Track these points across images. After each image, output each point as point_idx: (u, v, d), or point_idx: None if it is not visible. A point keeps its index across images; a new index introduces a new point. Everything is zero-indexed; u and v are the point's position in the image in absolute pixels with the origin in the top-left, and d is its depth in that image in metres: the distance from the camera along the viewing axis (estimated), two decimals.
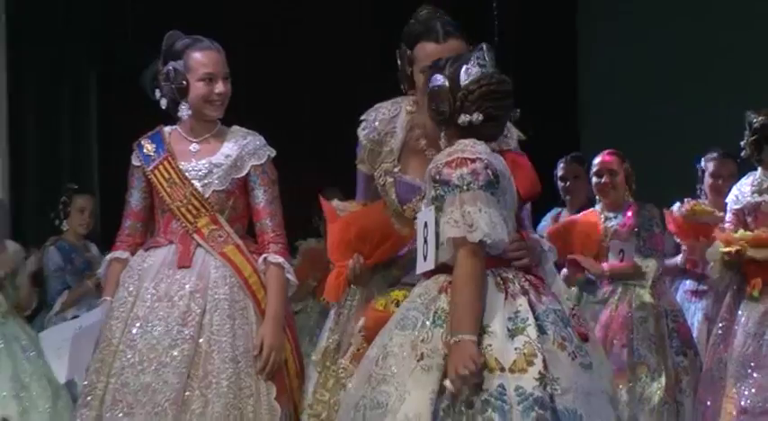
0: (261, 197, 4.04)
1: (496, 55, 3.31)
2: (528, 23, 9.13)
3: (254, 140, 4.08)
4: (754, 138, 5.31)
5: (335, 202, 3.84)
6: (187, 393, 3.84)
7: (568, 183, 6.47)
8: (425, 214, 3.25)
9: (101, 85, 8.17)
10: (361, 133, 3.74)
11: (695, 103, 8.29)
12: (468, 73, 3.28)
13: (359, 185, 3.85)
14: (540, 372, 3.10)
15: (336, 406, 3.61)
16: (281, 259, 4.00)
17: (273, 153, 4.09)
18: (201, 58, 4.00)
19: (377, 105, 3.75)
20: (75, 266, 6.62)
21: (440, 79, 3.29)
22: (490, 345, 3.13)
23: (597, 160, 6.04)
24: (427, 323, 3.17)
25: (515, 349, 3.13)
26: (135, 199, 4.13)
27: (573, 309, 3.35)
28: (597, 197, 6.06)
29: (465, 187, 3.18)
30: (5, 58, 7.69)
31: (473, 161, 3.19)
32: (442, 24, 3.62)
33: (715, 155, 6.08)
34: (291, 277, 4.04)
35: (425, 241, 3.24)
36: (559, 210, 6.51)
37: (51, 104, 8.09)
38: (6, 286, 6.38)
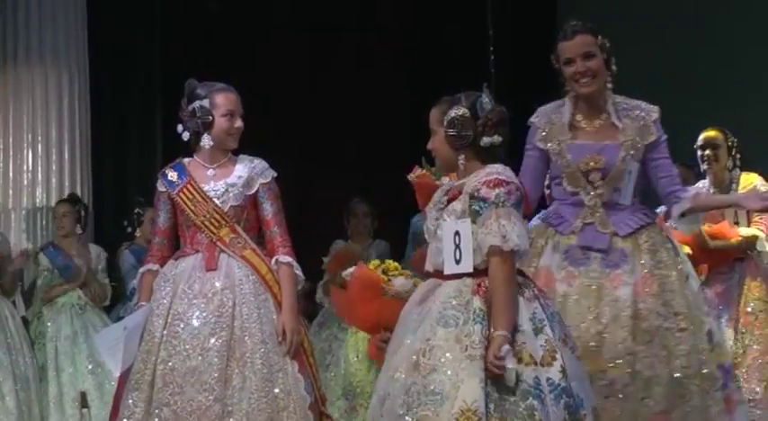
0: (269, 209, 4.47)
1: (494, 85, 3.85)
2: (519, 55, 9.21)
3: (260, 164, 4.51)
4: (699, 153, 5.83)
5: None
6: (228, 372, 4.22)
7: None
8: (457, 224, 3.58)
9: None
10: (534, 119, 4.20)
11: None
12: (483, 104, 3.68)
13: (525, 168, 4.20)
14: (561, 366, 3.47)
15: None
16: (289, 259, 4.43)
17: (276, 174, 4.52)
18: (224, 99, 4.46)
19: (539, 108, 4.26)
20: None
21: (461, 109, 3.66)
22: (524, 343, 3.47)
23: None
24: (469, 321, 3.46)
25: (540, 346, 3.49)
26: (162, 219, 4.56)
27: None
28: None
29: (501, 204, 3.55)
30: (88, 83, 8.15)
31: (508, 183, 3.57)
32: (570, 26, 4.16)
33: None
34: (299, 273, 4.46)
35: (457, 247, 3.56)
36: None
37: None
38: (91, 282, 7.01)
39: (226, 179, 4.47)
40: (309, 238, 7.46)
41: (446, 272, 3.61)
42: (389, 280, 3.88)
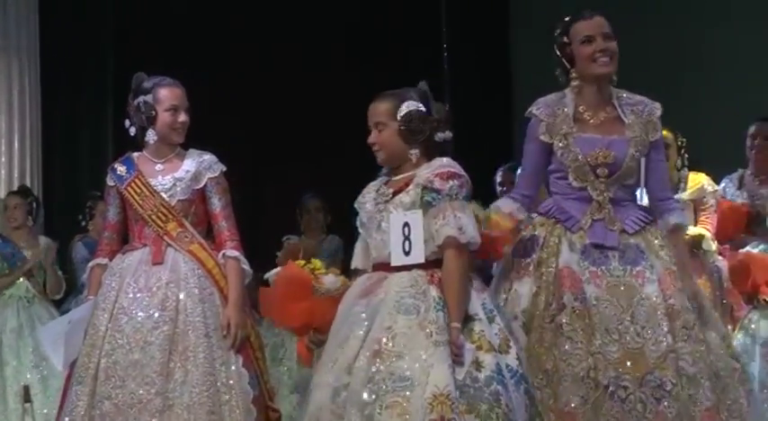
0: (216, 204, 4.44)
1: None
2: (467, 58, 9.41)
3: (209, 158, 4.49)
4: None
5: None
6: (170, 365, 4.19)
7: (506, 189, 6.65)
8: (407, 216, 3.60)
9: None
10: (535, 110, 4.02)
11: None
12: (432, 103, 3.75)
13: (526, 162, 4.08)
14: (516, 353, 3.57)
15: (564, 357, 3.73)
16: (236, 253, 4.39)
17: (224, 168, 4.48)
18: (168, 93, 4.43)
19: (539, 99, 4.07)
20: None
21: (416, 104, 3.70)
22: (482, 331, 3.54)
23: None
24: (430, 309, 3.51)
25: (495, 334, 3.57)
26: (111, 213, 4.54)
27: None
28: None
29: (454, 196, 3.60)
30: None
31: (460, 176, 3.63)
32: (586, 10, 4.01)
33: None
34: (247, 267, 4.41)
35: (406, 238, 3.58)
36: None
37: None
38: (36, 274, 6.91)
39: (173, 173, 4.45)
40: (265, 233, 7.44)
41: (394, 263, 3.61)
42: (318, 278, 3.87)
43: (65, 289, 7.11)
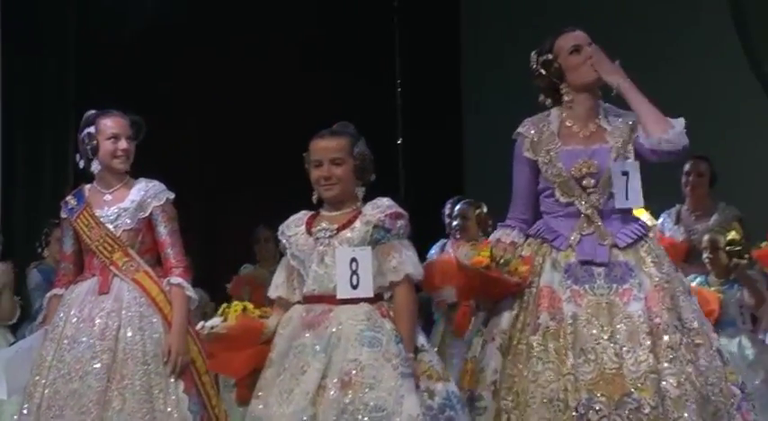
0: (163, 231, 4.50)
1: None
2: (419, 92, 9.49)
3: (156, 186, 4.54)
4: None
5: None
6: (108, 394, 4.23)
7: (459, 222, 6.81)
8: (355, 252, 3.68)
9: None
10: (521, 129, 3.99)
11: None
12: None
13: (516, 183, 4.02)
14: (451, 379, 3.70)
15: (533, 378, 3.68)
16: (180, 280, 4.44)
17: (172, 195, 4.54)
18: (108, 122, 4.51)
19: (525, 120, 4.04)
20: (53, 286, 7.09)
21: (364, 144, 3.84)
22: (431, 361, 3.69)
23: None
24: (390, 342, 3.60)
25: (437, 362, 3.71)
26: (66, 245, 4.62)
27: None
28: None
29: (401, 235, 3.75)
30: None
31: (405, 216, 3.77)
32: (567, 26, 4.03)
33: None
34: (191, 294, 4.46)
35: (354, 273, 3.66)
36: (445, 240, 6.86)
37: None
38: None
39: (120, 203, 4.52)
40: (224, 261, 7.51)
41: (340, 296, 3.68)
42: (265, 323, 3.85)
43: (18, 315, 7.03)
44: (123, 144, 4.50)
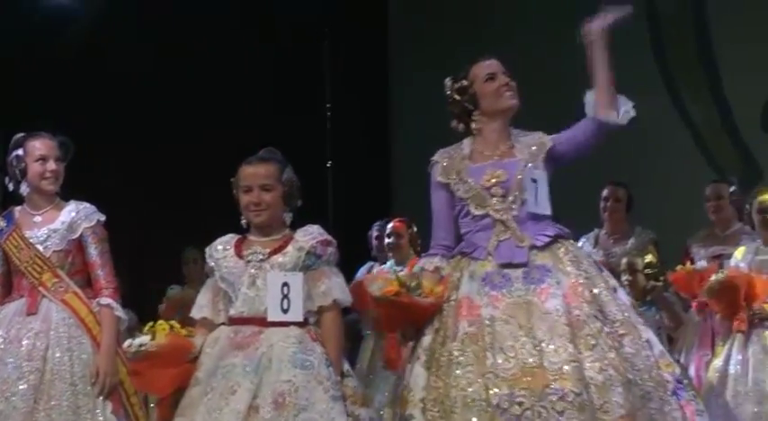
0: (93, 253, 4.48)
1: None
2: (349, 118, 9.54)
3: (86, 208, 4.53)
4: None
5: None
6: (35, 415, 4.21)
7: (382, 243, 6.90)
8: (287, 276, 3.75)
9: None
10: (434, 157, 4.08)
11: None
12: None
13: (435, 211, 4.08)
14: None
15: (454, 383, 3.70)
16: (110, 300, 4.43)
17: (103, 217, 4.54)
18: (36, 144, 4.50)
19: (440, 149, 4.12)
20: None
21: (292, 172, 3.91)
22: (355, 386, 3.81)
23: (390, 225, 6.70)
24: (321, 365, 3.69)
25: (358, 387, 3.83)
26: None
27: None
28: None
29: (331, 261, 3.86)
30: None
31: (333, 243, 3.88)
32: (492, 46, 4.19)
33: None
34: (121, 314, 4.45)
35: (285, 297, 3.72)
36: (371, 263, 6.95)
37: None
38: None
39: (49, 225, 4.51)
40: (151, 282, 7.48)
41: (271, 319, 3.75)
42: (192, 342, 3.88)
43: None
44: (52, 165, 4.50)
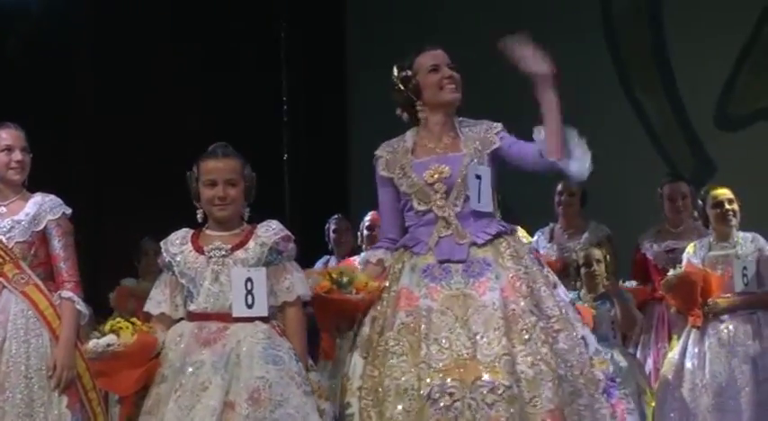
0: (56, 245, 4.44)
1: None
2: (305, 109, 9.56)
3: (52, 201, 4.49)
4: None
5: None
6: None
7: (338, 236, 6.97)
8: (250, 272, 3.73)
9: None
10: (377, 151, 4.07)
11: None
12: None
13: (381, 205, 4.10)
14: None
15: (388, 371, 3.72)
16: (71, 294, 4.39)
17: (69, 210, 4.50)
18: (2, 134, 4.48)
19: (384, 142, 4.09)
20: None
21: (250, 169, 3.88)
22: (319, 380, 3.81)
23: (368, 217, 6.60)
24: (291, 360, 3.69)
25: (323, 382, 3.84)
26: None
27: None
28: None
29: (292, 256, 3.85)
30: None
31: (292, 239, 3.87)
32: (424, 44, 4.07)
33: None
34: (82, 308, 4.41)
35: (249, 292, 3.71)
36: (328, 257, 6.95)
37: None
38: None
39: (13, 216, 4.46)
40: (106, 275, 7.43)
41: (236, 315, 3.74)
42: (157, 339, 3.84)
43: None
44: (18, 155, 4.47)
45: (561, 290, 3.95)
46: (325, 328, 4.04)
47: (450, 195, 3.93)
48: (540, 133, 3.90)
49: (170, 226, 3.99)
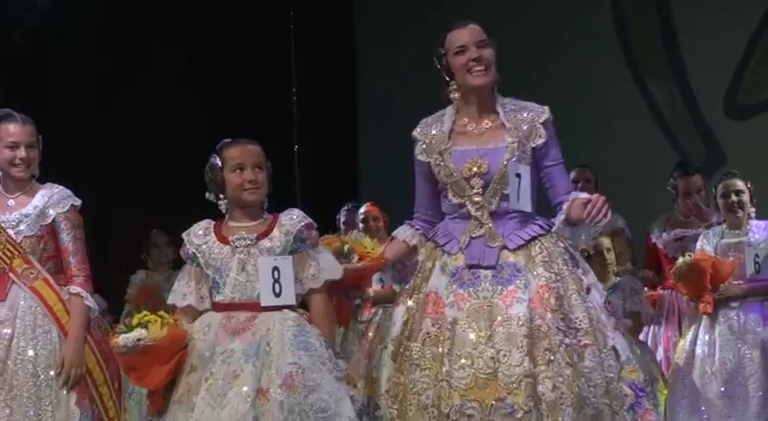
0: (65, 239, 4.32)
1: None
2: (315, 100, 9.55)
3: (60, 192, 4.36)
4: None
5: None
6: None
7: (348, 227, 6.90)
8: (277, 261, 3.71)
9: None
10: (415, 131, 3.90)
11: None
12: None
13: (417, 184, 3.96)
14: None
15: (411, 385, 3.69)
16: (79, 289, 4.26)
17: (78, 202, 4.38)
18: (8, 129, 4.33)
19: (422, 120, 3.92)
20: None
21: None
22: (346, 368, 3.76)
23: (362, 210, 6.65)
24: (321, 347, 3.68)
25: (346, 369, 3.77)
26: None
27: None
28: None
29: (315, 244, 3.82)
30: None
31: (315, 226, 3.84)
32: (460, 20, 3.85)
33: None
34: (91, 304, 4.28)
35: (276, 281, 3.69)
36: None
37: None
38: None
39: (22, 209, 4.36)
40: (116, 268, 7.40)
41: (264, 303, 3.71)
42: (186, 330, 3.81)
43: None
44: (22, 152, 4.33)
45: (596, 291, 3.77)
46: (337, 295, 3.95)
47: (487, 192, 3.77)
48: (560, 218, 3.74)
49: (179, 218, 3.99)
